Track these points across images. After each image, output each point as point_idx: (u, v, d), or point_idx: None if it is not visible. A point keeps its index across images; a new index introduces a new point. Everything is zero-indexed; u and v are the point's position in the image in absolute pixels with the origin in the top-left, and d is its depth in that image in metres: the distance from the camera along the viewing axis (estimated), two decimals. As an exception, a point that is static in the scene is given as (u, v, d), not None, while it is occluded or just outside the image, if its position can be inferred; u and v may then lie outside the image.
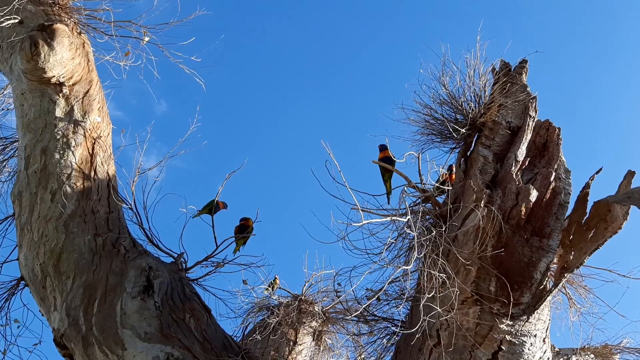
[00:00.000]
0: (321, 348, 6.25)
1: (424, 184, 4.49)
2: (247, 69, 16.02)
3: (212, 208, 5.07)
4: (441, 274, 3.87)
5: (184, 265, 4.87)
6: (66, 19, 5.22)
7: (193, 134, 5.01)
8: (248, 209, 5.89)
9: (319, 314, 6.20)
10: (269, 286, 6.35)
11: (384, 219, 4.06)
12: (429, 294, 3.83)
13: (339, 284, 4.82)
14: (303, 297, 6.31)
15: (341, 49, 16.60)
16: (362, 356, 5.13)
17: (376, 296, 4.37)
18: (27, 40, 4.61)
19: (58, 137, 4.70)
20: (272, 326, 5.83)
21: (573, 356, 5.44)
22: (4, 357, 4.85)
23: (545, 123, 4.78)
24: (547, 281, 4.17)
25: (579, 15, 15.93)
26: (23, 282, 4.81)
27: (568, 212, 4.39)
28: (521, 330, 4.00)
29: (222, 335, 4.50)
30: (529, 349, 3.98)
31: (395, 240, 4.33)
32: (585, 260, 4.32)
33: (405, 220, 4.04)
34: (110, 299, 4.27)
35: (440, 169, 4.66)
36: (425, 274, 3.88)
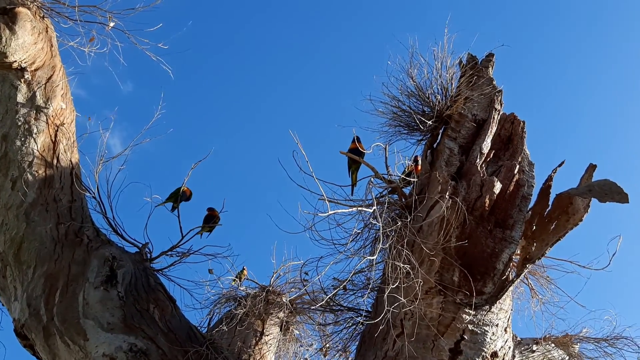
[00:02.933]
0: (288, 338, 6.26)
1: (390, 175, 4.52)
2: (215, 56, 15.89)
3: (177, 197, 5.02)
4: (405, 265, 3.91)
5: (148, 255, 4.82)
6: (29, 3, 5.06)
7: (159, 120, 4.94)
8: (214, 199, 5.85)
9: (286, 304, 6.21)
10: (237, 277, 6.33)
11: (351, 210, 4.07)
12: (393, 284, 3.86)
13: (306, 274, 4.83)
14: (271, 288, 6.31)
15: (310, 40, 16.59)
16: (328, 345, 5.16)
17: (342, 286, 4.39)
18: (-14, 24, 4.48)
19: (19, 123, 4.59)
20: (239, 317, 5.82)
21: (534, 345, 5.55)
22: None
23: (510, 116, 4.84)
24: (509, 272, 4.24)
25: (545, 9, 16.18)
26: (-18, 271, 4.69)
27: (531, 204, 4.47)
28: (483, 319, 4.06)
29: (187, 325, 4.47)
30: (490, 338, 4.05)
31: (361, 230, 4.36)
32: (547, 252, 4.40)
33: (371, 210, 4.06)
34: (72, 289, 4.20)
35: (407, 161, 4.69)
36: (390, 264, 3.91)
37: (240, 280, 6.34)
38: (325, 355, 5.36)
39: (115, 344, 3.94)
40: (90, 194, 4.71)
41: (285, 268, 6.31)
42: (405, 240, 3.97)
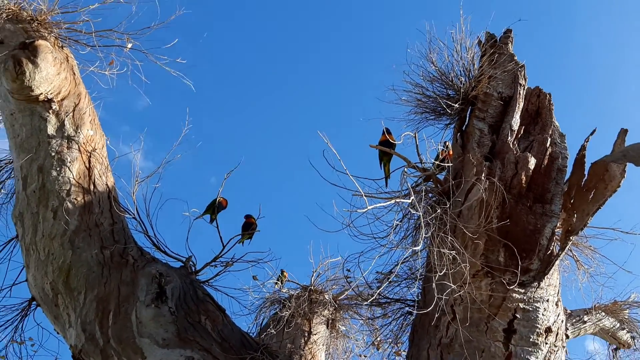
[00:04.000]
0: (336, 335, 6.30)
1: (423, 163, 4.51)
2: (234, 64, 15.95)
3: (214, 208, 5.07)
4: (450, 251, 3.91)
5: (193, 268, 4.88)
6: (46, 35, 5.15)
7: (185, 135, 5.00)
8: (249, 206, 5.90)
9: (330, 302, 6.24)
10: (278, 280, 6.38)
11: (388, 202, 4.08)
12: (440, 271, 3.87)
13: (348, 270, 4.85)
14: (312, 287, 6.35)
15: (324, 38, 16.56)
16: (379, 339, 5.18)
17: (389, 279, 4.40)
18: (10, 60, 4.56)
19: (53, 154, 4.67)
20: (285, 319, 5.87)
21: (585, 316, 5.53)
22: None
23: (536, 90, 4.81)
24: (553, 246, 4.22)
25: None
26: (34, 302, 4.80)
27: (567, 176, 4.44)
28: (534, 296, 4.05)
29: (239, 333, 4.52)
30: (542, 314, 4.04)
31: (401, 221, 4.36)
32: (588, 222, 4.37)
33: (409, 201, 4.06)
34: (124, 310, 4.27)
35: (438, 146, 4.68)
36: (435, 252, 3.92)
37: (281, 283, 6.40)
38: (378, 349, 5.38)
39: (173, 359, 3.99)
40: (130, 214, 4.78)
41: (325, 266, 6.36)
42: (448, 226, 3.97)
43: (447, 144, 4.69)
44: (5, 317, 4.81)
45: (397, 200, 4.09)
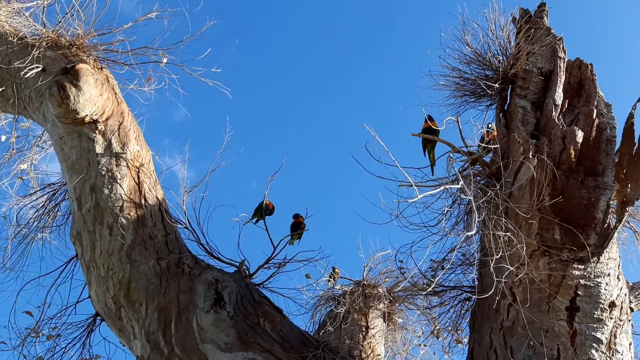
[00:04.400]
0: (393, 328, 6.28)
1: (468, 147, 4.46)
2: (268, 67, 16.08)
3: (262, 211, 5.12)
4: (505, 233, 3.85)
5: (247, 272, 4.94)
6: (85, 58, 5.31)
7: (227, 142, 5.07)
8: (295, 207, 5.94)
9: (384, 295, 6.24)
10: (330, 277, 6.41)
11: (437, 190, 4.05)
12: (496, 254, 3.82)
13: (400, 262, 4.83)
14: (365, 282, 6.36)
15: (358, 30, 16.50)
16: (438, 327, 5.15)
17: (443, 267, 4.36)
18: (54, 86, 4.71)
19: (103, 172, 4.80)
20: (341, 315, 5.89)
21: (649, 288, 5.36)
22: None
23: (577, 62, 4.71)
24: (610, 219, 4.12)
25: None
26: (99, 317, 4.94)
27: (617, 146, 4.33)
28: (594, 272, 3.97)
29: (298, 332, 4.56)
30: (605, 289, 3.95)
31: (451, 208, 4.33)
32: (644, 191, 4.25)
33: (458, 186, 4.02)
34: (185, 318, 4.35)
35: (482, 129, 4.62)
36: (489, 235, 3.87)
37: (334, 280, 6.42)
38: (437, 337, 5.35)
39: (237, 362, 4.05)
40: (182, 225, 4.88)
41: (376, 260, 6.36)
42: (500, 209, 3.92)
43: (490, 125, 4.62)
44: (72, 335, 4.96)
45: (446, 186, 4.05)
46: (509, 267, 3.76)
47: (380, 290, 6.23)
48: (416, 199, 3.70)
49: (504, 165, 4.19)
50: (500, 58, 4.60)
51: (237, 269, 4.94)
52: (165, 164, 5.24)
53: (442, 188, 4.02)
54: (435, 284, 4.54)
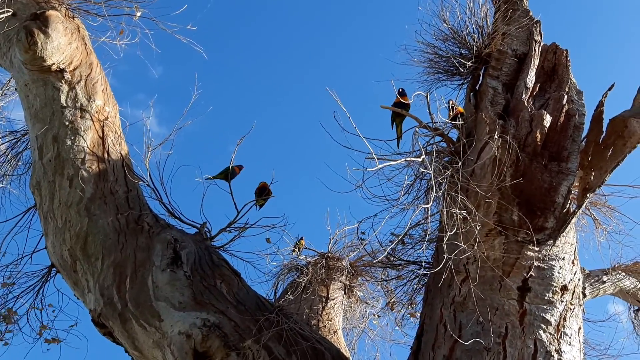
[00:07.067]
0: (353, 301, 6.34)
1: (435, 123, 4.45)
2: (241, 26, 15.85)
3: (227, 174, 5.08)
4: (461, 210, 3.87)
5: (208, 234, 4.92)
6: (57, 5, 5.18)
7: (196, 99, 4.99)
8: (262, 172, 5.89)
9: (347, 268, 6.28)
10: (295, 247, 6.43)
11: (399, 162, 4.04)
12: (451, 231, 3.84)
13: (362, 233, 4.84)
14: (330, 254, 6.39)
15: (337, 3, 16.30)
16: (394, 300, 5.19)
17: (400, 239, 4.38)
18: (22, 31, 4.58)
19: (67, 123, 4.71)
20: (303, 285, 5.92)
21: (604, 276, 5.45)
22: (39, 338, 4.97)
23: (552, 46, 4.69)
24: (569, 204, 4.15)
25: None
26: (54, 269, 4.90)
27: (584, 133, 4.34)
28: (549, 254, 4.01)
29: (255, 296, 4.56)
30: (558, 272, 3.99)
31: (413, 182, 4.33)
32: (606, 179, 4.29)
33: (419, 159, 4.01)
34: (140, 275, 4.33)
35: (450, 103, 4.59)
36: (446, 212, 3.88)
37: (299, 250, 6.44)
38: (392, 310, 5.40)
39: (189, 321, 4.04)
40: (144, 182, 4.82)
41: (341, 233, 6.38)
42: (459, 186, 3.92)
43: (451, 102, 4.59)
44: (26, 284, 4.92)
45: (408, 159, 4.04)
46: (462, 244, 3.77)
47: (343, 263, 6.27)
48: (376, 168, 3.69)
49: (468, 143, 4.19)
50: (476, 37, 4.57)
51: (198, 230, 4.91)
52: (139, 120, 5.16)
53: (402, 160, 4.00)
54: (394, 257, 4.56)
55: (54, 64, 4.70)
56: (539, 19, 4.70)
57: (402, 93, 4.71)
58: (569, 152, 4.20)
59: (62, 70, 4.76)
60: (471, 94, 4.58)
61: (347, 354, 5.16)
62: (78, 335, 4.96)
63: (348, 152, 4.00)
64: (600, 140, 4.35)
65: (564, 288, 4.02)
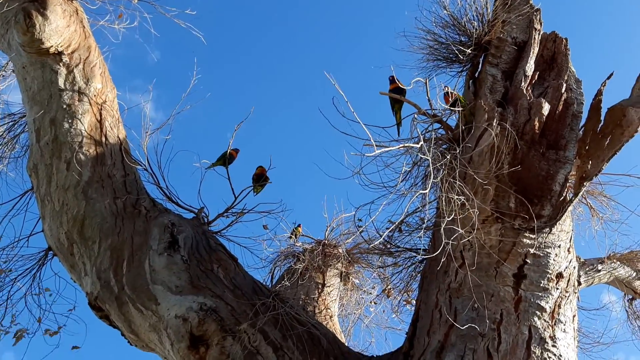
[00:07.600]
0: (349, 288, 6.36)
1: (433, 110, 4.45)
2: (240, 12, 15.77)
3: (225, 160, 5.07)
4: (459, 197, 3.87)
5: (205, 219, 4.92)
6: (56, -12, 5.14)
7: (195, 85, 4.98)
8: (260, 157, 5.88)
9: (343, 255, 6.29)
10: (292, 234, 6.44)
11: (397, 149, 4.03)
12: (448, 217, 3.84)
13: (359, 220, 4.84)
14: (326, 242, 6.40)
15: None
16: (390, 287, 5.21)
17: (397, 225, 4.39)
18: (20, 13, 4.57)
19: (64, 106, 4.70)
20: (299, 272, 5.93)
21: (599, 265, 5.47)
22: (39, 325, 4.98)
23: (552, 35, 4.68)
24: (566, 192, 4.15)
25: None
26: (51, 252, 4.90)
27: (582, 122, 4.35)
28: (545, 242, 4.02)
29: (251, 280, 4.57)
30: (554, 260, 4.01)
31: (411, 169, 4.33)
32: (603, 168, 4.30)
33: (417, 145, 4.01)
34: (137, 258, 4.34)
35: (447, 89, 4.58)
36: (444, 198, 3.88)
37: (296, 237, 6.45)
38: (388, 296, 5.42)
39: (186, 305, 4.06)
40: (142, 166, 4.82)
41: (339, 220, 6.39)
42: (457, 172, 3.93)
43: (447, 88, 4.57)
44: (23, 267, 4.93)
45: (406, 145, 4.04)
46: (460, 230, 3.78)
47: (340, 250, 6.29)
48: (374, 154, 3.68)
49: (467, 130, 4.19)
50: (476, 24, 4.55)
51: (195, 215, 4.91)
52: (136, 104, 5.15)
53: (400, 147, 4.00)
54: (390, 244, 4.57)
55: (52, 46, 4.69)
56: (539, 7, 4.69)
57: (393, 79, 4.70)
58: (567, 141, 4.20)
59: (60, 53, 4.75)
60: (470, 81, 4.57)
61: (343, 340, 5.18)
62: (76, 319, 4.97)
63: (346, 139, 3.99)
64: (598, 129, 4.35)
65: (559, 275, 4.04)
